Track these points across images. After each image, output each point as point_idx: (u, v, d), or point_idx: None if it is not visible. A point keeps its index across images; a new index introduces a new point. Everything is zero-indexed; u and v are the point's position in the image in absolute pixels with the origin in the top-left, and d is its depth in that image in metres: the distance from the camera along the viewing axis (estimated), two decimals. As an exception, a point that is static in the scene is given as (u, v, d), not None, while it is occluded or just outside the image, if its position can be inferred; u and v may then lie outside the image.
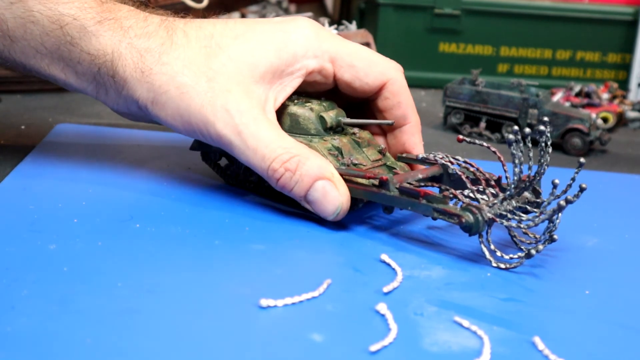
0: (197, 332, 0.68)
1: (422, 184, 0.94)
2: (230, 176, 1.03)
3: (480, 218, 0.82)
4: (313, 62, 0.96)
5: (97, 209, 0.92)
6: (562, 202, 0.81)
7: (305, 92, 1.02)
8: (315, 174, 0.89)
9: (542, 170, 0.86)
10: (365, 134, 0.99)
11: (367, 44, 1.53)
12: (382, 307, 0.73)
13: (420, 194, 0.85)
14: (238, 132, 0.90)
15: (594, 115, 1.47)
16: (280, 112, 0.97)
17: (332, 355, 0.66)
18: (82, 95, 1.47)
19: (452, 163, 0.95)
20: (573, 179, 0.86)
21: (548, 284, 0.83)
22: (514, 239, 0.88)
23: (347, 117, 0.99)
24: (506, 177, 0.91)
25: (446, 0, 1.88)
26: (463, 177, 0.91)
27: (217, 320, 0.70)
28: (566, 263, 0.88)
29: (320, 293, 0.76)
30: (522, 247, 0.87)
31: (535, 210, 0.88)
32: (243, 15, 1.97)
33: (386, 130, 1.03)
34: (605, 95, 1.67)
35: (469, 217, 0.82)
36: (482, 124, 1.47)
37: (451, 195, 0.86)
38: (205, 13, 1.75)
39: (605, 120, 1.59)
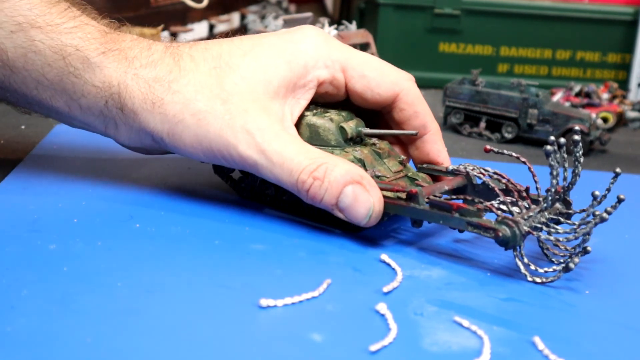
0: (197, 332, 0.68)
1: (447, 195, 0.92)
2: (245, 189, 1.00)
3: (517, 232, 0.80)
4: (324, 72, 0.94)
5: (97, 209, 0.92)
6: (605, 215, 0.79)
7: (318, 102, 0.99)
8: (345, 179, 0.86)
9: (575, 180, 0.84)
10: (384, 145, 0.97)
11: (367, 44, 1.53)
12: (382, 307, 0.73)
13: (453, 208, 0.83)
14: (261, 150, 0.87)
15: (594, 115, 1.47)
16: (299, 123, 0.95)
17: (332, 355, 0.66)
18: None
19: (483, 175, 0.93)
20: (608, 189, 0.84)
21: (548, 283, 0.83)
22: (545, 251, 0.86)
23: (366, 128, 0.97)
24: (536, 188, 0.90)
25: (446, 0, 1.88)
26: (496, 189, 0.88)
27: (217, 320, 0.70)
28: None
29: (320, 293, 0.76)
30: (554, 260, 0.85)
31: (567, 221, 0.86)
32: (243, 15, 1.97)
33: (406, 141, 1.01)
34: (605, 95, 1.67)
35: (505, 231, 0.80)
36: (482, 124, 1.47)
37: (484, 208, 0.84)
38: (205, 12, 1.76)
39: (605, 120, 1.59)
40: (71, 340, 0.65)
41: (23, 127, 1.25)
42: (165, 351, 0.64)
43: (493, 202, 0.88)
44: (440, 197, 0.89)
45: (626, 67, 1.93)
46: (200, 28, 1.75)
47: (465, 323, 0.72)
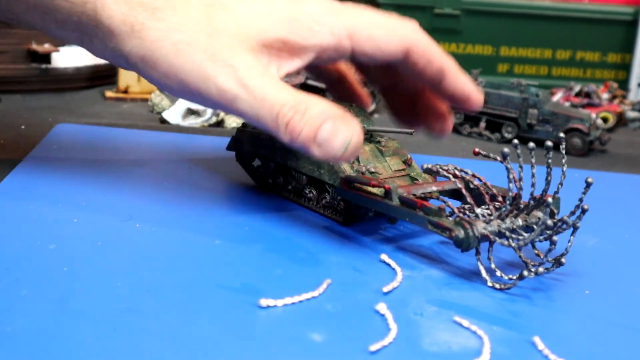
0: (197, 332, 0.68)
1: (435, 197, 0.92)
2: (260, 177, 1.04)
3: (471, 234, 0.79)
4: (329, 39, 0.90)
5: (97, 209, 0.92)
6: (550, 222, 0.78)
7: (317, 71, 0.99)
8: (326, 114, 0.83)
9: (547, 188, 0.82)
10: (392, 144, 0.98)
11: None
12: (382, 307, 0.73)
13: (417, 205, 0.83)
14: (243, 84, 0.84)
15: (593, 115, 1.47)
16: None
17: (332, 355, 0.66)
18: (82, 95, 1.47)
19: (456, 176, 0.91)
20: (581, 200, 0.82)
21: (548, 283, 0.83)
22: (522, 259, 0.84)
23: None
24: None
25: (446, 0, 1.88)
26: (463, 190, 0.87)
27: (217, 320, 0.70)
28: (566, 263, 0.88)
29: (320, 293, 0.76)
30: (532, 269, 0.83)
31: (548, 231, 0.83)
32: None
33: (434, 90, 0.97)
34: (605, 95, 1.67)
35: (459, 232, 0.80)
36: (482, 124, 1.47)
37: (448, 208, 0.83)
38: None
39: (605, 120, 1.59)
40: (71, 340, 0.65)
41: (23, 127, 1.25)
42: (165, 351, 0.64)
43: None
44: (429, 196, 0.89)
45: (626, 67, 1.93)
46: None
47: (465, 323, 0.72)
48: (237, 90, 0.84)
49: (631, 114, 1.64)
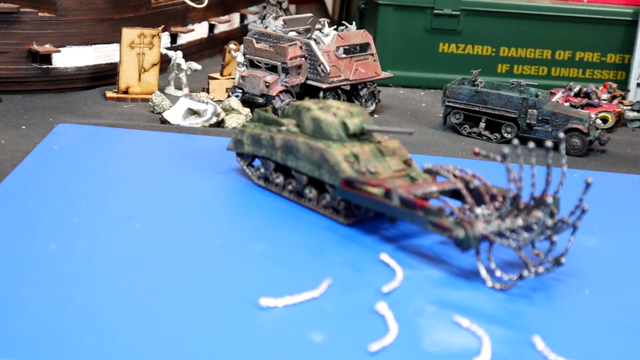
0: (197, 332, 0.68)
1: (435, 197, 0.91)
2: (260, 177, 1.04)
3: (471, 233, 0.79)
4: None
5: (97, 209, 0.92)
6: (550, 222, 0.78)
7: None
8: None
9: (547, 188, 0.82)
10: (392, 143, 0.98)
11: (367, 45, 1.53)
12: (382, 307, 0.73)
13: (417, 205, 0.84)
14: None
15: (593, 116, 1.47)
16: (304, 116, 0.98)
17: (332, 355, 0.66)
18: (82, 95, 1.47)
19: (455, 176, 0.91)
20: (581, 200, 0.83)
21: (548, 283, 0.83)
22: (522, 259, 0.84)
23: None
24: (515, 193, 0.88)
25: (446, 1, 1.88)
26: (463, 190, 0.87)
27: (217, 320, 0.70)
28: (566, 263, 0.88)
29: (320, 293, 0.76)
30: (532, 269, 0.82)
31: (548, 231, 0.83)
32: (243, 16, 1.97)
33: None
34: (605, 96, 1.67)
35: (459, 232, 0.80)
36: (482, 124, 1.47)
37: (448, 208, 0.83)
38: (205, 13, 1.75)
39: (604, 120, 1.59)
40: (71, 340, 0.65)
41: (23, 127, 1.25)
42: (166, 351, 0.65)
43: (464, 205, 0.88)
44: (429, 196, 0.89)
45: (626, 67, 1.93)
46: (200, 28, 1.75)
47: (465, 323, 0.73)
48: None
49: (630, 114, 1.64)
